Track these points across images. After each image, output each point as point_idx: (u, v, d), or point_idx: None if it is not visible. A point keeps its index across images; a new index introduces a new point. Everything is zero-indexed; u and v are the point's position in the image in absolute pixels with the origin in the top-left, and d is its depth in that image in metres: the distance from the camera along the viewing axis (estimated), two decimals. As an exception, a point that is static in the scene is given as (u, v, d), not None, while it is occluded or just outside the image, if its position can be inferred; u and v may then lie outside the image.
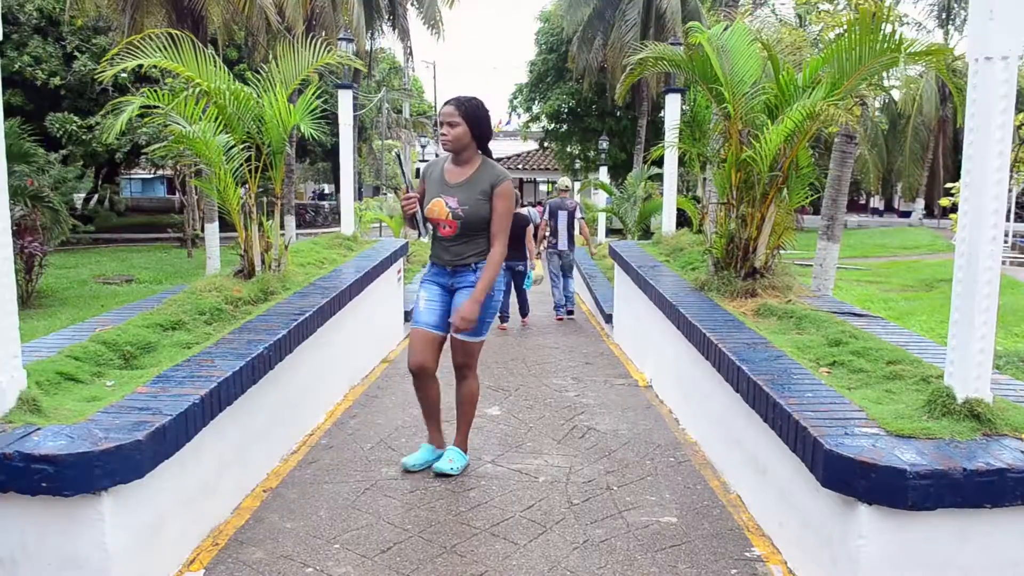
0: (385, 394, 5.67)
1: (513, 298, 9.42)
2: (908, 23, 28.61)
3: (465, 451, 4.11)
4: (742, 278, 5.17)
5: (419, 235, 4.01)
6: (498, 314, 8.99)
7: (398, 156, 4.38)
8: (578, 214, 10.17)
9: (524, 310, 9.44)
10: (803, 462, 2.82)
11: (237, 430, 3.60)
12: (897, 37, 4.34)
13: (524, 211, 9.09)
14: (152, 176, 39.27)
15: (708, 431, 4.43)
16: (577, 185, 27.10)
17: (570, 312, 9.96)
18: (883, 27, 4.39)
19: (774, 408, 3.11)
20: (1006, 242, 20.05)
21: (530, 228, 8.94)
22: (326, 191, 46.27)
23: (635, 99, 23.97)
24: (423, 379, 3.94)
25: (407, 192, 3.90)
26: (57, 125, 19.51)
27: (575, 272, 10.65)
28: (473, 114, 3.76)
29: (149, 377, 3.29)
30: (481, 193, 3.77)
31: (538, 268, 9.37)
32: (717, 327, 4.34)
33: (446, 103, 3.77)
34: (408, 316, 8.33)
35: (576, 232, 10.33)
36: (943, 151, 32.90)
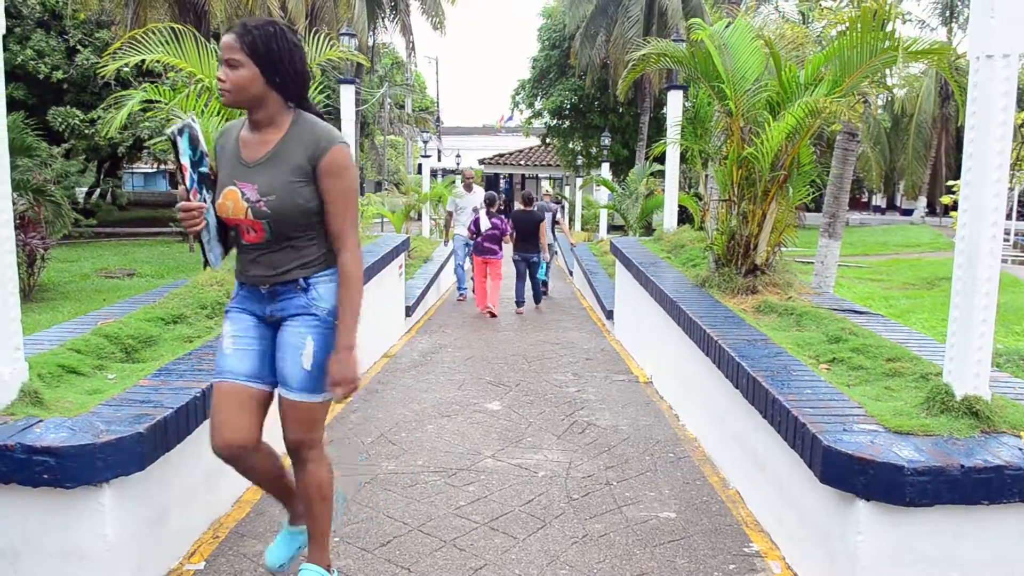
0: (386, 389, 5.69)
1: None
2: (911, 21, 28.57)
3: (328, 568, 2.65)
4: (743, 275, 5.18)
5: (211, 264, 2.53)
6: (515, 300, 10.02)
7: (176, 133, 2.40)
8: (559, 215, 12.56)
9: (537, 297, 10.39)
10: (802, 458, 2.82)
11: (238, 424, 3.60)
12: (899, 35, 4.34)
13: (535, 208, 10.20)
14: (154, 171, 39.30)
15: (708, 427, 4.44)
16: (579, 181, 27.13)
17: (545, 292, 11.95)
18: (885, 25, 4.38)
19: (773, 404, 3.12)
20: (1007, 240, 20.05)
21: (543, 224, 9.98)
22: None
23: (637, 95, 23.98)
24: (242, 463, 2.50)
25: (187, 196, 2.42)
26: (60, 119, 19.54)
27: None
28: (266, 47, 2.30)
29: (151, 370, 3.30)
30: (294, 171, 2.36)
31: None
32: (717, 323, 4.35)
33: (226, 30, 2.41)
34: (409, 311, 8.31)
35: (560, 229, 13.44)
36: (946, 149, 32.89)
